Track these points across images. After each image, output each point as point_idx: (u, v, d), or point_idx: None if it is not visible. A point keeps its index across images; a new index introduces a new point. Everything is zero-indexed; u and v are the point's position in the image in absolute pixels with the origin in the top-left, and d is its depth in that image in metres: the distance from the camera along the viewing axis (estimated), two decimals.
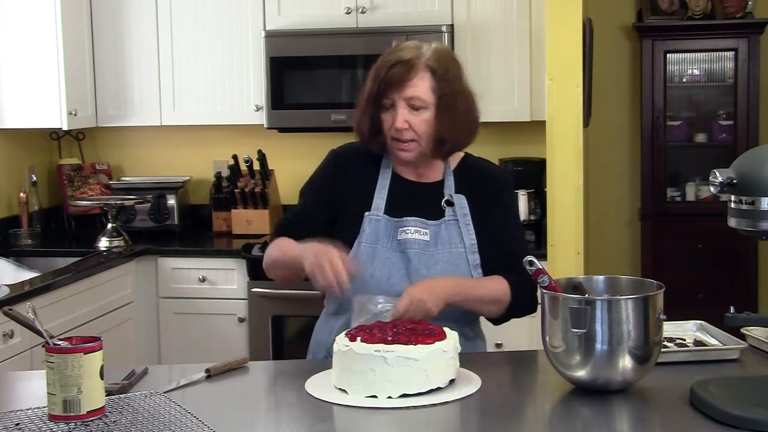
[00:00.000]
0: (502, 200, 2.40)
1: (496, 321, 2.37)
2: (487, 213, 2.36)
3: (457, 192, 2.36)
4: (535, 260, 1.96)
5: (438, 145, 2.32)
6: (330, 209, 2.38)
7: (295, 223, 2.42)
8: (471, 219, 2.33)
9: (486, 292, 2.27)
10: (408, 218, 2.32)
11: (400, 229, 2.31)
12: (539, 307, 1.98)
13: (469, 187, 2.37)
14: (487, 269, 2.31)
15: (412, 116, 2.27)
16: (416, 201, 2.35)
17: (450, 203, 2.35)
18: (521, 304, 2.29)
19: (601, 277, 2.05)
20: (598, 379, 1.88)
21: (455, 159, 2.42)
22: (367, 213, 2.32)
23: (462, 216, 2.33)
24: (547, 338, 1.93)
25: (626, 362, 1.86)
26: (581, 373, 1.89)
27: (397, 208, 2.33)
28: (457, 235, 2.32)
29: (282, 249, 2.31)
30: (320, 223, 2.36)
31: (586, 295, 1.95)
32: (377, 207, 2.33)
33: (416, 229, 2.31)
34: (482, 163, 2.46)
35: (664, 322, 1.91)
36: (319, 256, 2.12)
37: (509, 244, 2.35)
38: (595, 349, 1.85)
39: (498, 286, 2.27)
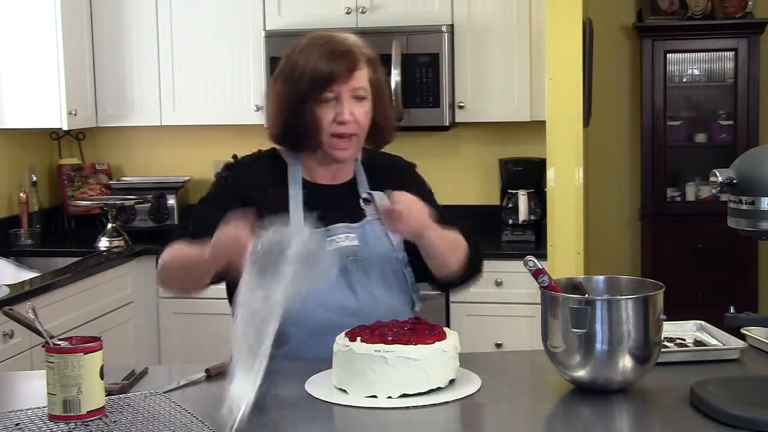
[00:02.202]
0: (422, 191, 2.25)
1: (447, 284, 2.24)
2: None
3: (373, 189, 2.17)
4: (535, 260, 1.96)
5: (374, 137, 2.22)
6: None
7: (206, 229, 2.04)
8: None
9: (453, 235, 2.15)
10: (334, 225, 2.17)
11: (329, 239, 2.15)
12: (539, 307, 1.97)
13: (383, 181, 2.20)
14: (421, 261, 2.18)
15: (355, 108, 2.14)
16: (335, 205, 2.19)
17: (368, 201, 2.13)
18: (475, 258, 2.21)
19: (601, 277, 2.05)
20: (598, 379, 1.88)
21: (360, 154, 2.27)
22: None
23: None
24: (547, 338, 1.93)
25: (626, 362, 1.86)
26: (581, 373, 1.89)
27: (317, 217, 2.09)
28: (383, 234, 2.19)
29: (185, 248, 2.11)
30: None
31: (586, 295, 1.95)
32: (296, 221, 2.12)
33: (345, 235, 2.18)
34: (387, 156, 2.34)
35: (664, 322, 1.91)
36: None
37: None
38: (595, 349, 1.85)
39: (457, 235, 2.18)
